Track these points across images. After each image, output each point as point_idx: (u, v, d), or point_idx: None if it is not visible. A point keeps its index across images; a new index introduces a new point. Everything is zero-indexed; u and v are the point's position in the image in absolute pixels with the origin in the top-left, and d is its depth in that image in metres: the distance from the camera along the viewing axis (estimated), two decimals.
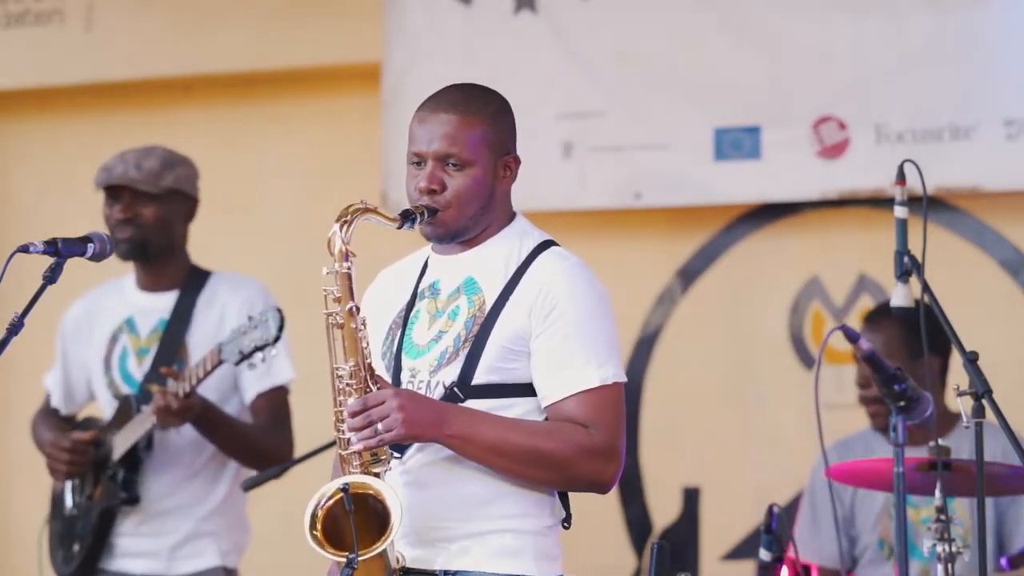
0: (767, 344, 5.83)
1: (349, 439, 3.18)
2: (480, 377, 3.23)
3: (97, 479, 4.64)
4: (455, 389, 3.24)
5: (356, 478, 3.16)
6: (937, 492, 3.75)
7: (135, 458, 4.57)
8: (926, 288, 3.58)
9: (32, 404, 4.93)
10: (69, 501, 4.73)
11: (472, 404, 3.22)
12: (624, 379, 3.27)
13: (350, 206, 3.22)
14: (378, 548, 3.10)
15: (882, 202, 5.40)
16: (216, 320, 4.63)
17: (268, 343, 4.26)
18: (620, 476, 3.26)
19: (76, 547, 4.66)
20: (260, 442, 4.61)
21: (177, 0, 6.41)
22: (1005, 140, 5.40)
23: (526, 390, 3.25)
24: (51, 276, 3.35)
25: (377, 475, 3.18)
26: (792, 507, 5.00)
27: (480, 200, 3.29)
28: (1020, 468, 3.83)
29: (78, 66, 6.48)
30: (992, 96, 5.44)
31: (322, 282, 3.22)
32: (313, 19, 6.18)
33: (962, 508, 4.45)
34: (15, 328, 3.28)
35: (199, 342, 4.58)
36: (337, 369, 3.20)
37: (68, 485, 4.74)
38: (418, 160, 3.30)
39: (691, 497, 5.87)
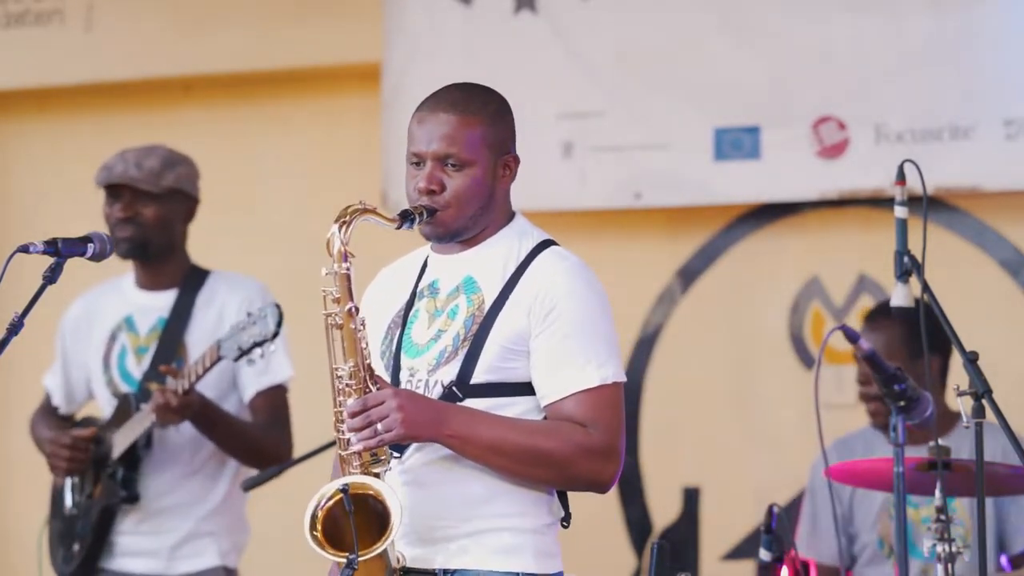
0: (767, 344, 5.83)
1: (349, 439, 3.18)
2: (479, 376, 3.23)
3: (97, 478, 4.64)
4: (453, 388, 3.24)
5: (356, 478, 3.16)
6: (937, 492, 3.75)
7: (134, 456, 4.57)
8: (926, 288, 3.58)
9: (32, 404, 4.93)
10: (69, 500, 4.73)
11: (470, 403, 3.22)
12: (623, 379, 3.27)
13: (349, 207, 3.22)
14: (378, 548, 3.10)
15: (882, 202, 5.40)
16: (215, 319, 4.63)
17: (267, 339, 4.26)
18: (619, 476, 3.26)
19: (76, 546, 4.66)
20: (259, 440, 4.61)
21: (177, 0, 6.42)
22: (1005, 140, 5.40)
23: (525, 389, 3.25)
24: (51, 276, 3.35)
25: (377, 475, 3.18)
26: (792, 507, 5.00)
27: (479, 200, 3.29)
28: (1020, 468, 3.83)
29: (78, 66, 6.48)
30: (992, 96, 5.44)
31: (322, 282, 3.22)
32: (313, 19, 6.18)
33: (962, 508, 4.45)
34: (15, 328, 3.28)
35: (198, 341, 4.59)
36: (336, 370, 3.20)
37: (68, 484, 4.74)
38: (417, 160, 3.30)
39: (691, 497, 5.87)
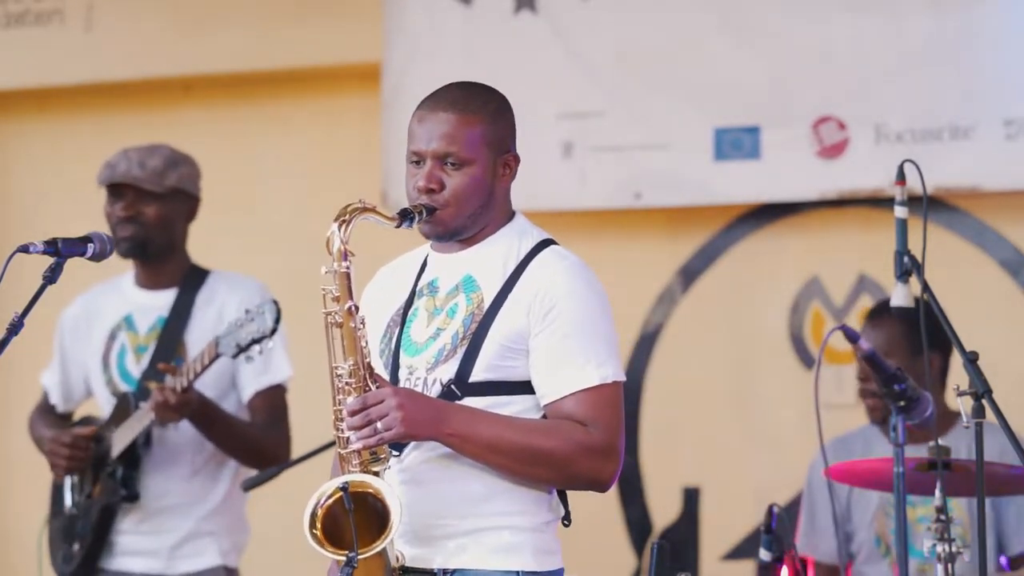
0: (767, 344, 5.83)
1: (348, 438, 3.18)
2: (477, 375, 3.23)
3: (96, 477, 4.64)
4: (452, 386, 3.24)
5: (355, 477, 3.16)
6: (937, 492, 3.75)
7: (134, 455, 4.57)
8: (926, 288, 3.58)
9: (32, 404, 4.93)
10: (68, 500, 4.73)
11: (469, 401, 3.22)
12: (623, 378, 3.27)
13: (348, 205, 3.23)
14: (378, 547, 3.10)
15: (882, 202, 5.40)
16: (215, 318, 4.63)
17: (265, 336, 4.26)
18: (619, 475, 3.26)
19: (76, 546, 4.66)
20: (258, 440, 4.61)
21: (177, 0, 6.42)
22: (1004, 140, 5.40)
23: (523, 388, 3.25)
24: (51, 276, 3.35)
25: (376, 474, 3.18)
26: (792, 507, 5.00)
27: (479, 199, 3.29)
28: (1019, 468, 3.83)
29: (78, 66, 6.48)
30: (991, 96, 5.44)
31: (322, 281, 3.22)
32: (313, 19, 6.18)
33: (959, 508, 4.45)
34: (15, 328, 3.28)
35: (197, 340, 4.58)
36: (336, 368, 3.20)
37: (67, 483, 4.74)
38: (417, 159, 3.30)
39: (691, 497, 5.87)
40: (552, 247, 3.34)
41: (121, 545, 4.63)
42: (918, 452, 4.13)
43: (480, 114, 3.29)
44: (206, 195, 4.78)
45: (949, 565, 3.72)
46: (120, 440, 4.55)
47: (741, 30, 5.70)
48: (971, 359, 3.47)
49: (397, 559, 3.20)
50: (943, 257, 5.20)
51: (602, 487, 3.26)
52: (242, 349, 4.29)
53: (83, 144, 6.49)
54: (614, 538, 5.92)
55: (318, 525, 3.12)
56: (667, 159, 5.76)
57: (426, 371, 3.28)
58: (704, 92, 5.74)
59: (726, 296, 5.90)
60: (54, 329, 4.84)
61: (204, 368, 4.35)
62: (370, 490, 3.13)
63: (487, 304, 3.27)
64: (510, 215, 3.38)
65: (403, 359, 3.32)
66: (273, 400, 4.66)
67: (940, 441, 3.93)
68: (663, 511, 5.90)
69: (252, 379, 4.63)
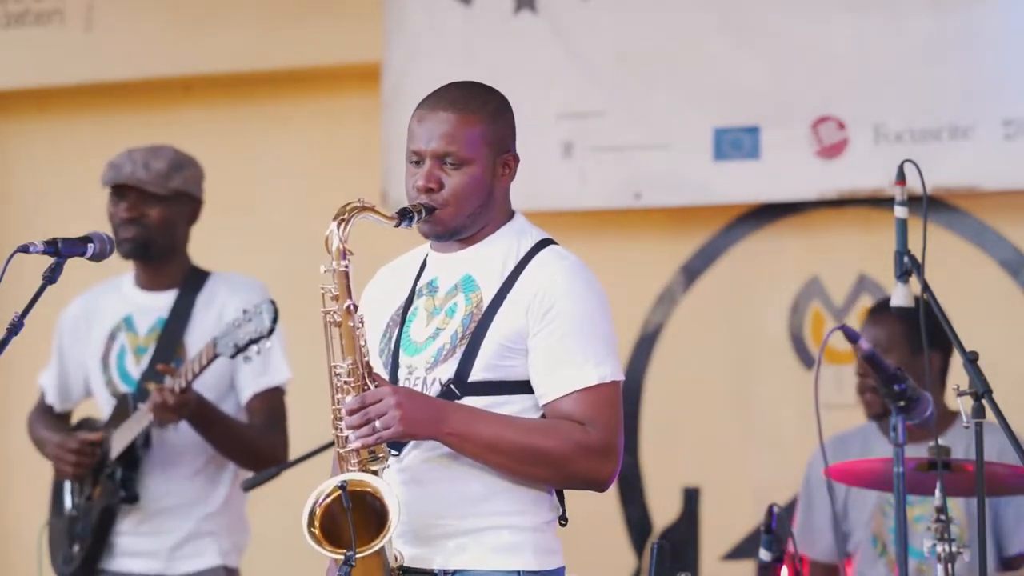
0: (767, 344, 5.83)
1: (347, 437, 3.18)
2: (476, 374, 3.23)
3: (96, 478, 4.64)
4: (451, 386, 3.24)
5: (354, 476, 3.16)
6: (937, 492, 3.75)
7: (133, 456, 4.57)
8: (926, 288, 3.58)
9: (32, 404, 4.93)
10: (68, 501, 4.73)
11: (468, 401, 3.22)
12: (622, 377, 3.27)
13: (347, 204, 3.23)
14: (376, 545, 3.10)
15: (882, 202, 5.40)
16: (215, 320, 4.63)
17: (263, 335, 4.26)
18: (618, 474, 3.26)
19: (76, 547, 4.65)
20: (256, 442, 4.61)
21: (177, 0, 6.42)
22: (1003, 140, 5.40)
23: (522, 387, 3.25)
24: (51, 276, 3.35)
25: (375, 473, 3.18)
26: (792, 507, 5.00)
27: (478, 198, 3.29)
28: (1018, 468, 3.83)
29: (78, 66, 6.48)
30: (991, 96, 5.44)
31: (321, 280, 3.22)
32: (313, 19, 6.18)
33: (957, 508, 4.45)
34: (15, 328, 3.28)
35: (197, 341, 4.58)
36: (335, 367, 3.20)
37: (67, 485, 4.74)
38: (417, 158, 3.30)
39: (691, 497, 5.87)
40: (551, 247, 3.34)
41: (121, 546, 4.63)
42: (917, 452, 4.13)
43: (480, 114, 3.29)
44: (206, 195, 4.78)
45: (949, 565, 3.72)
46: (119, 442, 4.55)
47: (741, 30, 5.70)
48: (971, 359, 3.46)
49: (396, 558, 3.20)
50: (943, 257, 5.20)
51: (601, 486, 3.26)
52: (240, 349, 4.28)
53: (83, 144, 6.49)
54: (614, 538, 5.92)
55: (316, 524, 3.12)
56: (667, 159, 5.76)
57: (425, 371, 3.28)
58: (704, 92, 5.74)
59: (726, 296, 5.90)
60: (53, 329, 4.84)
61: (202, 369, 4.35)
62: (368, 489, 3.13)
63: (486, 304, 3.27)
64: (509, 215, 3.38)
65: (402, 359, 3.32)
66: (271, 402, 4.66)
67: (940, 441, 3.93)
68: (663, 511, 5.90)
69: (250, 381, 4.63)
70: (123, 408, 4.60)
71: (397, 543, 3.21)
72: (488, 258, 3.32)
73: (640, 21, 5.81)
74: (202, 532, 4.64)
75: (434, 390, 3.25)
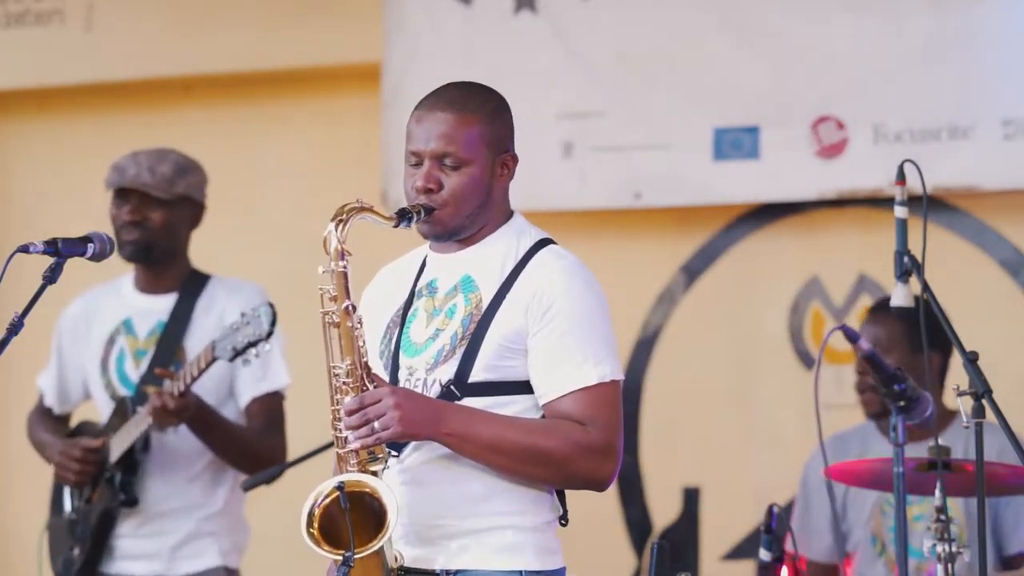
0: (767, 344, 5.83)
1: (346, 438, 3.18)
2: (476, 375, 3.23)
3: (95, 482, 4.64)
4: (451, 387, 3.24)
5: (352, 476, 3.16)
6: (937, 492, 3.75)
7: (132, 460, 4.57)
8: (926, 288, 3.58)
9: (32, 404, 4.93)
10: (68, 505, 4.73)
11: (468, 402, 3.22)
12: (621, 377, 3.27)
13: (345, 205, 3.23)
14: (374, 546, 3.10)
15: (882, 202, 5.40)
16: (215, 324, 4.62)
17: (261, 338, 4.26)
18: (618, 474, 3.26)
19: (76, 551, 4.65)
20: (254, 445, 4.61)
21: (177, 0, 6.42)
22: (1003, 140, 5.40)
23: (522, 387, 3.25)
24: (51, 276, 3.35)
25: (374, 473, 3.18)
26: (792, 507, 5.00)
27: (477, 199, 3.29)
28: (1018, 468, 3.83)
29: (78, 66, 6.48)
30: (991, 96, 5.44)
31: (320, 280, 3.22)
32: (313, 19, 6.18)
33: (956, 507, 4.45)
34: (15, 328, 3.28)
35: (197, 345, 4.57)
36: (334, 368, 3.21)
37: (67, 488, 4.74)
38: (415, 159, 3.30)
39: (691, 497, 5.87)
40: (550, 246, 3.34)
41: (121, 549, 4.63)
42: (917, 452, 4.13)
43: (478, 114, 3.29)
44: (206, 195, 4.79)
45: (949, 565, 3.72)
46: (118, 445, 4.55)
47: (741, 30, 5.70)
48: (971, 359, 3.46)
49: (396, 559, 3.20)
50: (943, 257, 5.20)
51: (601, 486, 3.26)
52: (238, 352, 4.28)
53: (83, 144, 6.49)
54: (614, 538, 5.92)
55: (315, 525, 3.12)
56: (667, 159, 5.76)
57: (426, 372, 3.28)
58: (704, 92, 5.74)
59: (726, 296, 5.90)
60: (53, 330, 4.84)
61: (201, 372, 4.35)
62: (367, 489, 3.13)
63: (485, 304, 3.27)
64: (508, 215, 3.38)
65: (403, 360, 3.32)
66: (270, 406, 4.66)
67: (939, 441, 3.93)
68: (663, 511, 5.90)
69: (250, 385, 4.63)
70: (122, 411, 4.60)
71: (398, 544, 3.22)
72: (487, 258, 3.32)
73: (640, 21, 5.81)
74: (202, 532, 4.64)
75: (434, 391, 3.25)
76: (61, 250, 3.36)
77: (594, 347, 3.23)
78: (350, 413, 3.15)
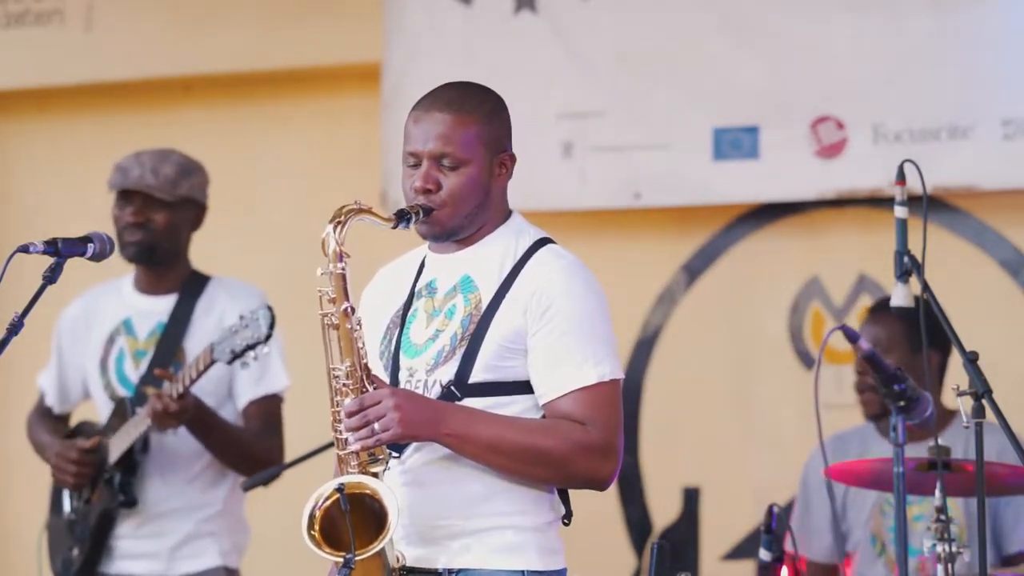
0: (767, 344, 5.83)
1: (347, 439, 3.18)
2: (477, 375, 3.23)
3: (94, 482, 4.64)
4: (452, 388, 3.24)
5: (352, 478, 3.16)
6: (937, 492, 3.75)
7: (131, 461, 4.57)
8: (926, 288, 3.58)
9: (31, 404, 4.93)
10: (67, 505, 4.73)
11: (469, 402, 3.22)
12: (621, 376, 3.27)
13: (344, 207, 3.23)
14: (375, 548, 3.10)
15: (882, 202, 5.40)
16: (214, 325, 4.62)
17: (259, 341, 4.26)
18: (618, 473, 3.26)
19: (75, 552, 4.65)
20: (252, 447, 4.61)
21: (177, 0, 6.41)
22: (1002, 140, 5.40)
23: (523, 388, 3.25)
24: (51, 276, 3.35)
25: (375, 475, 3.18)
26: (792, 507, 5.00)
27: (476, 199, 3.29)
28: (1018, 468, 3.83)
29: (78, 66, 6.48)
30: (990, 96, 5.44)
31: (319, 282, 3.22)
32: (313, 19, 6.18)
33: (956, 507, 4.45)
34: (15, 328, 3.28)
35: (197, 346, 4.57)
36: (333, 370, 3.21)
37: (66, 489, 4.74)
38: (413, 160, 3.30)
39: (691, 497, 5.87)
40: (549, 246, 3.34)
41: (120, 549, 4.63)
42: (916, 452, 4.13)
43: (476, 114, 3.29)
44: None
45: (949, 565, 3.72)
46: (117, 446, 4.55)
47: (741, 30, 5.70)
48: (971, 359, 3.46)
49: (397, 559, 3.20)
50: (943, 257, 5.20)
51: (601, 486, 3.26)
52: (237, 355, 4.28)
53: (83, 144, 6.49)
54: (614, 538, 5.92)
55: (316, 527, 3.12)
56: (667, 159, 5.76)
57: (426, 373, 3.28)
58: (704, 92, 5.74)
59: (726, 296, 5.90)
60: (53, 329, 4.84)
61: (199, 374, 4.35)
62: (367, 491, 3.13)
63: (485, 305, 3.27)
64: (507, 214, 3.37)
65: (403, 361, 3.32)
66: (268, 409, 4.66)
67: (939, 441, 3.93)
68: (663, 511, 5.90)
69: (248, 387, 4.63)
70: (121, 412, 4.60)
71: (400, 544, 3.22)
72: (486, 258, 3.32)
73: (640, 21, 5.81)
74: (202, 533, 4.64)
75: (435, 392, 3.25)
76: (61, 250, 3.36)
77: (594, 346, 3.23)
78: (350, 415, 3.15)
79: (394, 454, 3.25)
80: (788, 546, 4.12)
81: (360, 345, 3.20)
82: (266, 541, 5.11)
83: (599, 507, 5.58)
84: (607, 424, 3.22)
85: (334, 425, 3.20)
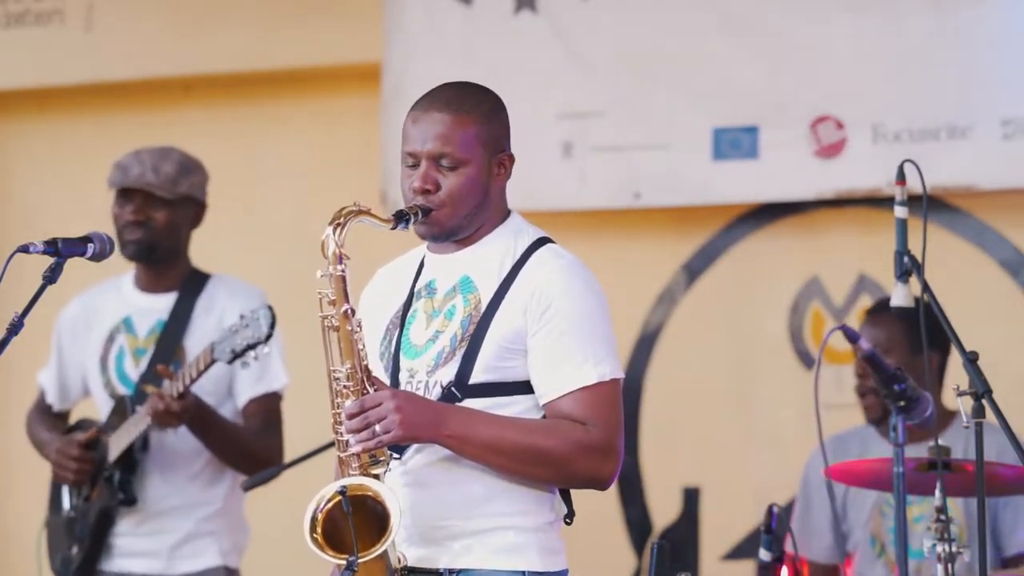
0: (767, 344, 5.83)
1: (348, 441, 3.18)
2: (477, 376, 3.23)
3: (94, 480, 4.64)
4: (452, 389, 3.24)
5: (354, 480, 3.16)
6: (937, 492, 3.75)
7: (131, 460, 4.57)
8: (926, 288, 3.58)
9: (31, 403, 4.93)
10: (67, 503, 4.73)
11: (470, 403, 3.22)
12: (621, 375, 3.27)
13: (343, 208, 3.23)
14: (378, 550, 3.10)
15: (882, 202, 5.40)
16: (214, 324, 4.63)
17: (260, 341, 4.26)
18: (619, 473, 3.26)
19: (75, 549, 4.65)
20: (252, 445, 4.61)
21: (177, 0, 6.41)
22: (1002, 139, 5.40)
23: (524, 388, 3.25)
24: (51, 276, 3.35)
25: (376, 477, 3.18)
26: (792, 507, 5.00)
27: (474, 199, 3.29)
28: (1017, 468, 3.83)
29: (78, 66, 6.48)
30: (989, 96, 5.44)
31: (319, 284, 3.22)
32: (313, 19, 6.18)
33: (956, 508, 4.45)
34: (15, 328, 3.28)
35: (197, 345, 4.58)
36: (334, 371, 3.20)
37: (65, 486, 4.74)
38: (412, 160, 3.30)
39: (691, 497, 5.86)
40: (548, 245, 3.34)
41: (120, 547, 4.63)
42: (916, 452, 4.13)
43: (474, 114, 3.29)
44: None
45: (949, 565, 3.72)
46: (117, 445, 4.55)
47: (741, 30, 5.70)
48: (971, 359, 3.46)
49: (398, 560, 3.20)
50: (943, 257, 5.20)
51: (602, 485, 3.26)
52: (237, 355, 4.28)
53: (83, 144, 6.49)
54: (614, 538, 5.92)
55: (318, 529, 3.12)
56: (667, 159, 5.76)
57: (427, 374, 3.28)
58: (703, 92, 5.74)
59: (726, 296, 5.90)
60: (53, 329, 4.84)
61: (200, 373, 4.35)
62: (369, 493, 3.13)
63: (484, 305, 3.27)
64: (505, 214, 3.37)
65: (403, 362, 3.32)
66: (267, 407, 4.66)
67: (939, 441, 3.93)
68: (663, 511, 5.90)
69: (248, 386, 4.64)
70: (121, 410, 4.60)
71: (402, 545, 3.22)
72: (485, 259, 3.31)
73: (640, 21, 5.81)
74: (202, 532, 4.64)
75: (435, 393, 3.25)
76: (61, 250, 3.37)
77: (594, 346, 3.23)
78: (351, 417, 3.15)
79: (395, 456, 3.25)
80: (789, 547, 4.12)
81: (360, 347, 3.20)
82: (266, 541, 5.11)
83: (599, 507, 5.58)
84: (607, 424, 3.22)
85: (335, 427, 3.20)
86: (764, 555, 4.03)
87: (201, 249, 4.81)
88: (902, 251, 3.65)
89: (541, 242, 3.34)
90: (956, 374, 3.80)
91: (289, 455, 4.69)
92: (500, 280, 3.28)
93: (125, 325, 4.73)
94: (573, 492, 3.33)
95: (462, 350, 3.25)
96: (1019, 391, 4.87)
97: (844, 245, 5.76)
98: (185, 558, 4.63)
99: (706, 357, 5.89)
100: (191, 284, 4.72)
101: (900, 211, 3.67)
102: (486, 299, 3.27)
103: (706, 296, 5.91)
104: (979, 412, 3.42)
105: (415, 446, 3.25)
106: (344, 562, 3.07)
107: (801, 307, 5.82)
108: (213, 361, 4.32)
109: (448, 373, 3.25)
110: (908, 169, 3.66)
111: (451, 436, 3.17)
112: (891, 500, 4.33)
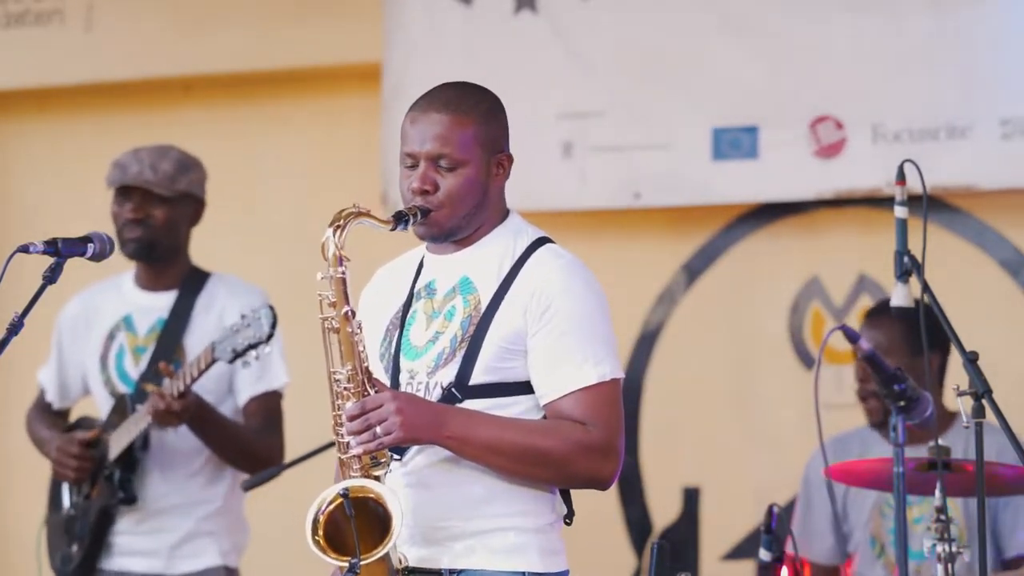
0: (767, 344, 5.83)
1: (348, 443, 3.18)
2: (477, 377, 3.23)
3: (94, 479, 4.64)
4: (453, 390, 3.24)
5: (356, 482, 3.15)
6: (937, 492, 3.75)
7: (131, 458, 4.57)
8: (926, 288, 3.58)
9: (31, 402, 4.93)
10: (67, 501, 4.73)
11: (470, 404, 3.22)
12: (621, 375, 3.27)
13: (343, 210, 3.22)
14: (380, 552, 3.10)
15: (882, 202, 5.40)
16: (215, 323, 4.63)
17: (261, 341, 4.26)
18: (619, 473, 3.26)
19: (75, 547, 4.66)
20: (252, 444, 4.61)
21: (177, 0, 6.41)
22: (1001, 139, 5.40)
23: (524, 388, 3.25)
24: (51, 276, 3.35)
25: (377, 478, 3.18)
26: (792, 507, 5.00)
27: (473, 199, 3.29)
28: (1017, 468, 3.83)
29: (78, 66, 6.48)
30: (989, 95, 5.44)
31: (319, 285, 3.22)
32: (313, 19, 6.18)
33: (956, 508, 4.45)
34: (15, 328, 3.28)
35: (197, 343, 4.58)
36: (334, 373, 3.20)
37: (65, 484, 4.74)
38: (411, 161, 3.30)
39: (691, 497, 5.86)
40: (547, 245, 3.34)
41: (120, 546, 4.63)
42: (917, 452, 4.13)
43: (473, 114, 3.29)
44: (206, 194, 4.78)
45: (949, 565, 3.72)
46: (117, 443, 4.55)
47: (741, 30, 5.70)
48: (971, 359, 3.46)
49: (400, 561, 3.20)
50: (943, 257, 5.20)
51: (602, 485, 3.26)
52: (238, 354, 4.29)
53: (83, 144, 6.49)
54: (614, 538, 5.92)
55: (320, 532, 3.12)
56: (666, 159, 5.76)
57: (427, 375, 3.28)
58: (703, 92, 5.74)
59: (726, 296, 5.90)
60: (53, 328, 4.84)
61: (201, 373, 4.35)
62: (371, 495, 3.13)
63: (484, 306, 3.27)
64: (504, 214, 3.37)
65: (403, 363, 3.32)
66: (268, 405, 4.66)
67: (939, 441, 3.93)
68: (663, 511, 5.90)
69: (248, 384, 4.64)
70: (121, 409, 4.60)
71: (403, 546, 3.22)
72: (484, 259, 3.31)
73: (640, 21, 5.81)
74: (202, 532, 4.64)
75: (436, 395, 3.25)
76: (61, 250, 3.37)
77: (594, 346, 3.23)
78: (352, 418, 3.15)
79: (396, 457, 3.25)
80: (789, 549, 4.12)
81: (361, 349, 3.20)
82: (266, 541, 5.11)
83: (599, 507, 5.58)
84: (608, 424, 3.22)
85: (335, 429, 3.20)
86: (764, 555, 4.03)
87: (201, 249, 4.81)
88: (902, 251, 3.65)
89: (540, 242, 3.34)
90: (956, 374, 3.80)
91: (289, 455, 4.69)
92: (500, 280, 3.28)
93: (125, 323, 4.73)
94: (573, 492, 3.33)
95: (462, 351, 3.25)
96: (1019, 391, 4.87)
97: (844, 245, 5.76)
98: (185, 558, 4.63)
99: (706, 357, 5.89)
100: (191, 282, 4.73)
101: (900, 211, 3.67)
102: (486, 300, 3.27)
103: (706, 296, 5.91)
104: (979, 412, 3.42)
105: (416, 447, 3.25)
106: (346, 564, 3.07)
107: (801, 307, 5.82)
108: (214, 360, 4.32)
109: (448, 374, 3.25)
110: (908, 169, 3.66)
111: (451, 437, 3.17)
112: (891, 501, 4.33)
